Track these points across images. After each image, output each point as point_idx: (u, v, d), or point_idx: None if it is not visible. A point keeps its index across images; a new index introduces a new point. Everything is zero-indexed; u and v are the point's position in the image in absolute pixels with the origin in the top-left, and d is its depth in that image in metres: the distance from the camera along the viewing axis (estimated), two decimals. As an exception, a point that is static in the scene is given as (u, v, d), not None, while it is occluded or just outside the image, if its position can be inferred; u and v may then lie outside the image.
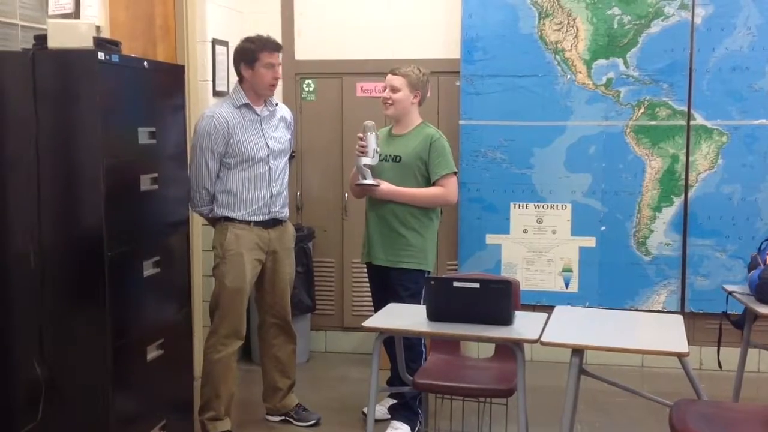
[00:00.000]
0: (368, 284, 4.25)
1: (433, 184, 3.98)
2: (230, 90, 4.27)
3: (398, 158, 4.00)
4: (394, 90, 4.01)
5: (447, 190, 3.99)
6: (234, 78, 3.99)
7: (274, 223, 3.91)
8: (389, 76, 4.05)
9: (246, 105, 3.82)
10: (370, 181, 3.92)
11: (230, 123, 3.75)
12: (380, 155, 3.99)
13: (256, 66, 3.78)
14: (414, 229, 3.98)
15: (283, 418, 4.15)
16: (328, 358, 5.28)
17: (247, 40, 3.85)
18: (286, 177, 4.01)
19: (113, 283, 2.98)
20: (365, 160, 3.91)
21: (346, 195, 5.22)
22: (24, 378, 3.01)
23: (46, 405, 2.96)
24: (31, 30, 3.19)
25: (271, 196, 3.86)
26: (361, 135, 3.93)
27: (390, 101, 4.02)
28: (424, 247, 4.01)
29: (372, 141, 3.91)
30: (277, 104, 3.99)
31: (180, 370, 3.58)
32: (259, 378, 4.20)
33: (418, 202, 3.98)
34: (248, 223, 3.81)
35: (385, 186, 3.96)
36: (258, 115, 3.85)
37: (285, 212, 3.99)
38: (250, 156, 3.78)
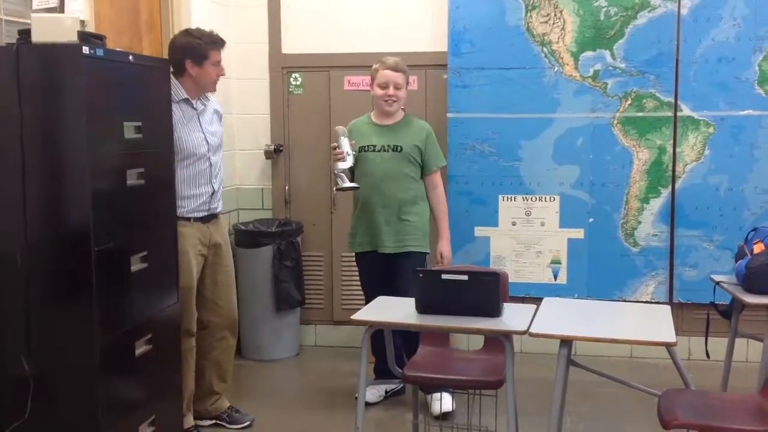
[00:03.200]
0: (359, 277, 4.28)
1: (427, 174, 4.23)
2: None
3: (399, 148, 4.16)
4: (399, 87, 4.17)
5: (441, 187, 4.32)
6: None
7: (211, 217, 3.86)
8: (391, 73, 4.14)
9: (185, 100, 3.74)
10: (348, 184, 4.06)
11: (172, 119, 3.65)
12: (375, 145, 4.16)
13: (205, 64, 3.71)
14: (417, 213, 4.18)
15: (214, 421, 4.01)
16: (317, 352, 5.27)
17: (190, 34, 3.74)
18: (223, 172, 3.97)
19: (100, 278, 2.96)
20: (341, 165, 4.00)
21: (335, 189, 5.20)
22: (12, 375, 2.99)
23: (34, 402, 2.94)
24: (15, 24, 3.16)
25: (213, 193, 3.83)
26: (335, 143, 4.02)
27: (395, 98, 4.16)
28: (426, 230, 4.23)
29: (346, 145, 4.01)
30: (209, 97, 3.90)
31: (168, 364, 3.57)
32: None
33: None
34: (188, 219, 3.75)
35: (447, 247, 4.25)
36: (195, 109, 3.78)
37: (220, 206, 3.95)
38: (192, 152, 3.72)
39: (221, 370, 3.99)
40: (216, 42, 3.75)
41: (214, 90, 3.86)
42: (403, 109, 4.28)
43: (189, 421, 3.83)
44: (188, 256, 3.72)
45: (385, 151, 4.16)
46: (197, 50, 3.69)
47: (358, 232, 4.25)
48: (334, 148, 4.02)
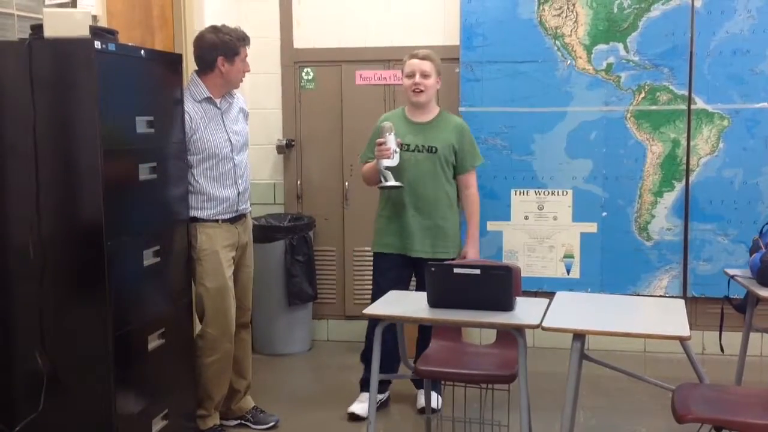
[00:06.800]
0: (374, 275, 4.12)
1: (460, 174, 4.08)
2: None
3: (434, 149, 4.01)
4: (426, 76, 4.00)
5: (475, 188, 4.16)
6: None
7: (240, 217, 3.82)
8: (417, 62, 4.00)
9: (207, 99, 3.68)
10: (392, 183, 3.91)
11: (193, 118, 3.62)
12: (409, 145, 4.00)
13: (236, 60, 3.69)
14: (450, 218, 4.06)
15: (239, 422, 3.97)
16: (330, 347, 5.27)
17: (219, 30, 3.69)
18: (248, 171, 3.93)
19: (113, 272, 2.97)
20: (387, 163, 3.86)
21: (347, 183, 5.20)
22: (25, 369, 3.01)
23: (47, 395, 2.96)
24: (27, 20, 3.17)
25: (239, 194, 3.76)
26: (381, 139, 3.87)
27: (422, 87, 3.99)
28: (458, 236, 4.11)
29: (392, 142, 3.87)
30: (235, 95, 3.86)
31: (181, 358, 3.58)
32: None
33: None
34: (216, 221, 3.70)
35: (473, 251, 4.09)
36: (219, 108, 3.73)
37: (248, 206, 3.91)
38: (214, 153, 3.66)
39: (240, 366, 3.94)
40: (244, 38, 3.74)
41: (238, 86, 3.83)
42: (439, 106, 4.14)
43: (214, 419, 3.82)
44: (218, 256, 3.66)
45: (419, 151, 4.00)
46: (229, 46, 3.66)
47: (386, 233, 4.08)
48: (380, 144, 3.87)
